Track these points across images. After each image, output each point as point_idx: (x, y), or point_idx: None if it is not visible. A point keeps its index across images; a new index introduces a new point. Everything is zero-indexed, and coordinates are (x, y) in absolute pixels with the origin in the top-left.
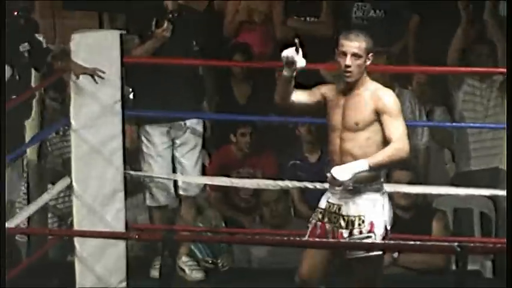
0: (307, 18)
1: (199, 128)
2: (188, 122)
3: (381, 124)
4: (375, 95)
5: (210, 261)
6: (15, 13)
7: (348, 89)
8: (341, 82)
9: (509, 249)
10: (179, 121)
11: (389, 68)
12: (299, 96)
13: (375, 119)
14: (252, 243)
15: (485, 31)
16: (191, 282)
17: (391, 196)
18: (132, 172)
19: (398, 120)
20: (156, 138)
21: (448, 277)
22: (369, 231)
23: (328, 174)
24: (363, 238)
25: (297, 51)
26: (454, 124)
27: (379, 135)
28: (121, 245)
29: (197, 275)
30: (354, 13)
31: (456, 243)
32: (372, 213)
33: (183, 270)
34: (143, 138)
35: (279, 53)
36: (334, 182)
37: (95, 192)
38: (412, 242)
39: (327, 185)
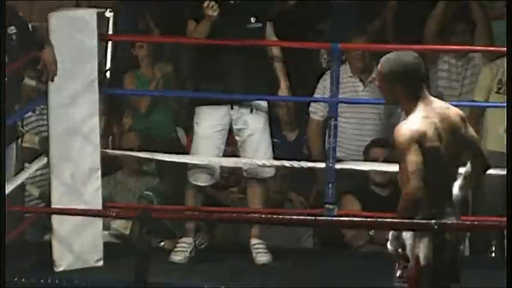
0: None
1: (262, 112)
2: (248, 105)
3: None
4: None
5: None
6: None
7: None
8: None
9: (509, 249)
10: (236, 104)
11: (367, 46)
12: None
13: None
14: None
15: (467, 9)
16: (257, 265)
17: (368, 173)
18: (109, 150)
19: (404, 160)
20: (208, 119)
21: None
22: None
23: None
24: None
25: None
26: None
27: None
28: (98, 223)
29: (262, 258)
30: None
31: (433, 221)
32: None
33: (250, 253)
34: (196, 118)
35: None
36: None
37: (73, 170)
38: (389, 219)
39: (304, 164)
